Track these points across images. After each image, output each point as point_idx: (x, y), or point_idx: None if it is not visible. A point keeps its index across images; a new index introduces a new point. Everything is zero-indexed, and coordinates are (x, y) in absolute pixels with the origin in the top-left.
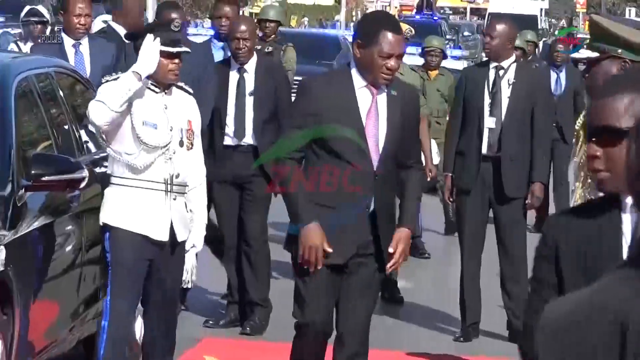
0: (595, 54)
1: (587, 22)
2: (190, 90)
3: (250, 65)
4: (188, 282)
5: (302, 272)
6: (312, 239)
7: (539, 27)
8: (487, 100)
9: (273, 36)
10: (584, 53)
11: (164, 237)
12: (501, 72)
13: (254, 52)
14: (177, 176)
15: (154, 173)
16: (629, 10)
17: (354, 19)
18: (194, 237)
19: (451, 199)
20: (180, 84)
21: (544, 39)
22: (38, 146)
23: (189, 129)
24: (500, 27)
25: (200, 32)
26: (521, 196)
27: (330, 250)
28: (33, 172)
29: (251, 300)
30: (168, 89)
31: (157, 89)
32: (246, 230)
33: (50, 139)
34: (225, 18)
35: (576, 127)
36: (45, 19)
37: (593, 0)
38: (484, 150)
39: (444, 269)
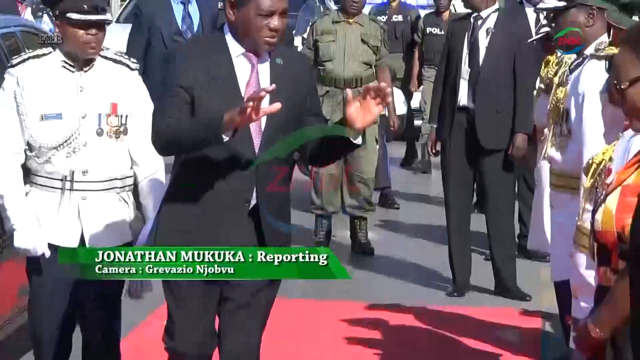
0: (562, 3)
1: None
2: (133, 65)
3: None
4: (136, 293)
5: (172, 291)
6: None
7: None
8: (465, 51)
9: None
10: (550, 3)
11: (72, 244)
12: (479, 22)
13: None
14: (85, 172)
15: (51, 169)
16: None
17: None
18: (140, 240)
19: (433, 151)
20: (119, 56)
21: None
22: None
23: (111, 113)
24: None
25: None
26: (502, 148)
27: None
28: None
29: None
30: (88, 64)
31: (72, 69)
32: None
33: None
34: None
35: (549, 76)
36: None
37: None
38: (462, 101)
39: (415, 219)
